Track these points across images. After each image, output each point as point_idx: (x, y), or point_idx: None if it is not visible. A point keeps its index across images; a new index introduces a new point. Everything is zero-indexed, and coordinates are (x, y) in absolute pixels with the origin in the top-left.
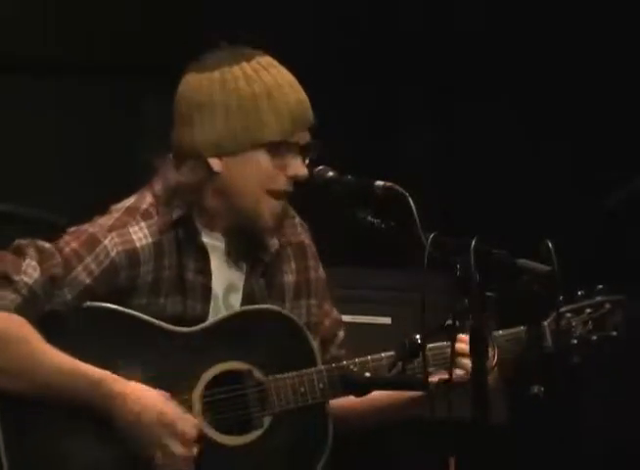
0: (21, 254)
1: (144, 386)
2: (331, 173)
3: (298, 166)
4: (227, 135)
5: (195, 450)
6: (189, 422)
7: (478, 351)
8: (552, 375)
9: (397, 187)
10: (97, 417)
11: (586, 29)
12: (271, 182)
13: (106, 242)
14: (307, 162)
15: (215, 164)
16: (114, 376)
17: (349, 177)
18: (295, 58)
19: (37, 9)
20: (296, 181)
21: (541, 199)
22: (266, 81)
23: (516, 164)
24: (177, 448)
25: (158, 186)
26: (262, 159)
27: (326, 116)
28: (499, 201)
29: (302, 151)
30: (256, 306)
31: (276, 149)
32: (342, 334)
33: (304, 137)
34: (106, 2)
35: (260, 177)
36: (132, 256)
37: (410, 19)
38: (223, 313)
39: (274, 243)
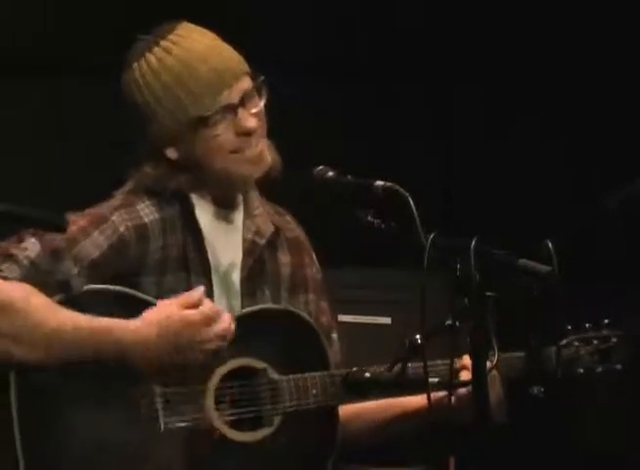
0: (20, 237)
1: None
2: (331, 173)
3: (242, 121)
4: (161, 128)
5: (228, 320)
6: (207, 307)
7: (478, 351)
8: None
9: (397, 187)
10: (115, 368)
11: (590, 28)
12: (227, 147)
13: (113, 218)
14: (262, 101)
15: (170, 152)
16: (120, 321)
17: (349, 177)
18: (295, 58)
19: (37, 9)
20: (250, 133)
21: (541, 199)
22: (171, 67)
23: (516, 163)
24: (216, 327)
25: (142, 172)
26: (202, 136)
27: (326, 115)
28: (500, 201)
29: (244, 101)
30: (276, 306)
31: (206, 122)
32: (335, 336)
33: (236, 92)
34: (106, 2)
35: (213, 149)
36: (141, 231)
37: (410, 18)
38: (229, 288)
39: (269, 228)
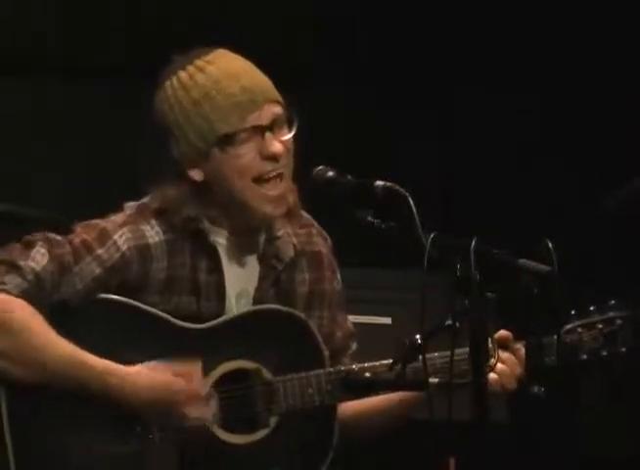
0: (30, 244)
1: (136, 368)
2: (331, 173)
3: (268, 145)
4: (188, 147)
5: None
6: (195, 381)
7: (477, 350)
8: (552, 377)
9: (397, 187)
10: (104, 406)
11: (588, 29)
12: (250, 171)
13: (116, 237)
14: (290, 132)
15: (195, 174)
16: (115, 366)
17: (349, 177)
18: (295, 58)
19: (37, 9)
20: (276, 158)
21: (541, 199)
22: (202, 83)
23: (516, 164)
24: (194, 411)
25: (163, 191)
26: (227, 155)
27: (326, 116)
28: (500, 201)
29: (273, 127)
30: (267, 306)
31: (233, 140)
32: (354, 346)
33: (266, 115)
34: (106, 2)
35: (236, 171)
36: (144, 251)
37: (410, 18)
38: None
39: (288, 252)
